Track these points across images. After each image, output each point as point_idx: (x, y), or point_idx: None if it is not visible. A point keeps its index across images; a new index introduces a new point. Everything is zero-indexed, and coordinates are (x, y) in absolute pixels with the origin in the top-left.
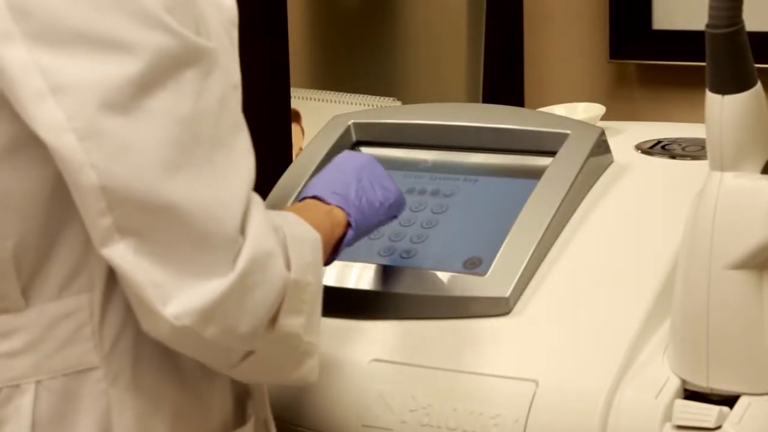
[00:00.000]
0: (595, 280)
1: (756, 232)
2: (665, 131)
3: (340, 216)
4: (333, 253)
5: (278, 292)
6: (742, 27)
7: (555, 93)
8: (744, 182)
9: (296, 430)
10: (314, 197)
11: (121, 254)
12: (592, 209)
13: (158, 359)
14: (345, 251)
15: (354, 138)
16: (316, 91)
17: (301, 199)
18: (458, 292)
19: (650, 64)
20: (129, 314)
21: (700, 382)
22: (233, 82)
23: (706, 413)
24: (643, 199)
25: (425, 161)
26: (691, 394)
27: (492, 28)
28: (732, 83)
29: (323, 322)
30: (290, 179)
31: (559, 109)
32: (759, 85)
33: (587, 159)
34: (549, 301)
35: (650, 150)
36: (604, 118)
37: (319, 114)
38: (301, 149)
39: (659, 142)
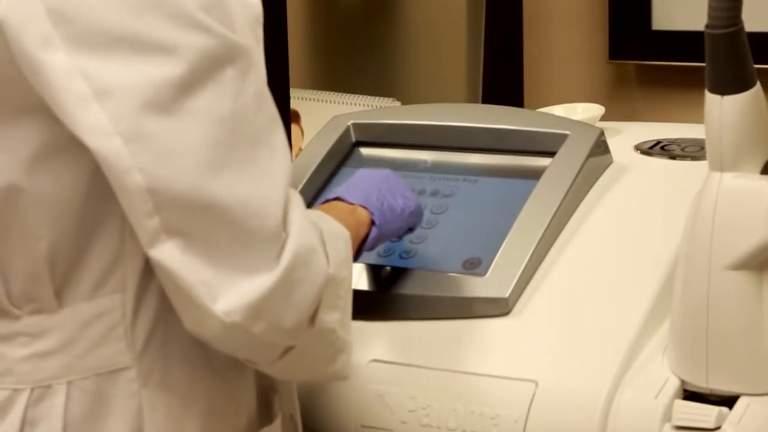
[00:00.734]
0: (594, 280)
1: (756, 232)
2: (665, 132)
3: (363, 215)
4: (357, 252)
5: (320, 287)
6: (742, 27)
7: (554, 93)
8: (743, 182)
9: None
10: (337, 198)
11: (169, 254)
12: (591, 210)
13: (189, 359)
14: None
15: (353, 138)
16: (315, 91)
17: (323, 202)
18: (458, 293)
19: (650, 64)
20: (161, 314)
21: (700, 383)
22: (264, 79)
23: (705, 414)
24: (642, 199)
25: (425, 162)
26: (690, 395)
27: (492, 29)
28: (731, 84)
29: None
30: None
31: (558, 110)
32: (758, 86)
33: (587, 159)
34: (549, 302)
35: (650, 150)
36: (604, 118)
37: (318, 114)
38: (300, 150)
39: (659, 142)
